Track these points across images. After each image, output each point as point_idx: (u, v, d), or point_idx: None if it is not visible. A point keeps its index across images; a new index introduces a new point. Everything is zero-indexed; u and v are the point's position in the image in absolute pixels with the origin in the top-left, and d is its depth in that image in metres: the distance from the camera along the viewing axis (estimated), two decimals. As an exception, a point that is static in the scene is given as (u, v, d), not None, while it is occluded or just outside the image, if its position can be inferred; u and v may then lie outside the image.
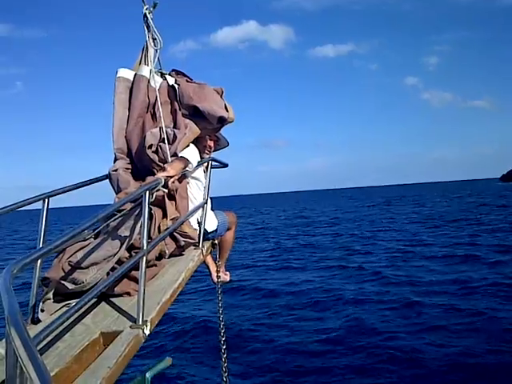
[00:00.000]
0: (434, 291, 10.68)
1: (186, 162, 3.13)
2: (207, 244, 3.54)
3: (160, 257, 2.97)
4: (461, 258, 14.73)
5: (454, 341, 7.41)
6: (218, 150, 3.88)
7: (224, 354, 3.53)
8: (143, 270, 2.20)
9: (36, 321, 2.34)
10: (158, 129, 3.19)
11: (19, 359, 1.08)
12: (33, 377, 0.96)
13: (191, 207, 3.26)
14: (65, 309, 2.31)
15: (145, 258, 2.23)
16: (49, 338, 1.84)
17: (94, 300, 2.43)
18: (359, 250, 18.20)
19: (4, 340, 1.99)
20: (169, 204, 2.96)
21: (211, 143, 3.68)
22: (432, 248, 17.49)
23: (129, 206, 2.72)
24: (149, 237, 2.41)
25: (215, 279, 4.00)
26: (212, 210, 3.67)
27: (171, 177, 2.93)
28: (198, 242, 3.32)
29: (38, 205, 2.64)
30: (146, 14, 3.36)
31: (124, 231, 2.69)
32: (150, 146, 3.11)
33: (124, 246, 2.62)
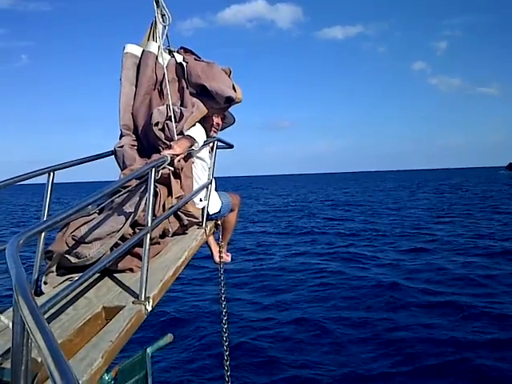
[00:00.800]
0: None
1: (193, 140, 3.11)
2: (210, 224, 3.55)
3: (163, 235, 2.98)
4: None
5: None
6: (225, 127, 3.84)
7: (225, 332, 3.57)
8: (147, 247, 2.20)
9: (39, 293, 2.36)
10: (165, 106, 3.16)
11: (27, 327, 1.09)
12: (41, 345, 0.96)
13: (195, 187, 3.26)
14: (68, 282, 2.33)
15: (149, 235, 2.24)
16: (52, 311, 1.86)
17: (97, 275, 2.45)
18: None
19: (8, 310, 2.01)
20: (174, 182, 2.96)
21: (219, 121, 3.64)
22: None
23: (134, 182, 2.72)
24: (153, 214, 2.42)
25: (217, 259, 4.03)
26: (216, 190, 3.67)
27: (177, 155, 2.92)
28: (202, 222, 3.33)
29: (38, 179, 2.64)
30: (155, -12, 3.30)
31: (128, 208, 2.69)
32: (157, 124, 3.08)
33: (128, 222, 2.63)
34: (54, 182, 2.60)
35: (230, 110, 3.65)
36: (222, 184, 3.78)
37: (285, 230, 21.57)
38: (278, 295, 9.95)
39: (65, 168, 2.78)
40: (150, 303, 2.16)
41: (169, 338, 4.21)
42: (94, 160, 3.16)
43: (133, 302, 2.13)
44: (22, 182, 2.54)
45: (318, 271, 11.98)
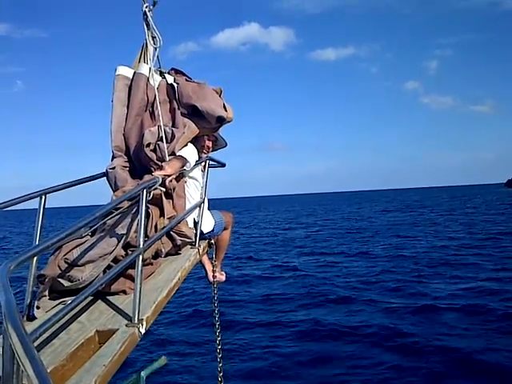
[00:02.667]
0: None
1: (184, 160, 3.12)
2: (204, 243, 3.53)
3: (156, 255, 2.96)
4: None
5: None
6: (216, 150, 3.86)
7: (220, 354, 3.53)
8: (139, 269, 2.19)
9: (31, 318, 2.33)
10: (157, 127, 3.18)
11: (16, 355, 1.08)
12: (30, 373, 0.95)
13: (188, 207, 3.26)
14: (60, 306, 2.31)
15: (141, 256, 2.23)
16: (45, 336, 1.83)
17: (90, 298, 2.43)
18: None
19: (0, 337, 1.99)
20: (166, 203, 2.96)
21: (209, 143, 3.67)
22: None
23: (126, 204, 2.71)
24: (145, 235, 2.41)
25: (211, 279, 4.00)
26: (209, 209, 3.67)
27: (169, 175, 2.93)
28: (195, 242, 3.31)
29: (27, 205, 2.61)
30: (145, 11, 3.35)
31: (120, 229, 2.68)
32: (149, 145, 3.10)
33: (120, 244, 2.62)
34: (46, 206, 2.58)
35: (221, 131, 3.67)
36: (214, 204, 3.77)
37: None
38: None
39: (57, 191, 2.77)
40: (144, 325, 2.14)
41: (163, 360, 4.16)
42: (86, 182, 3.15)
43: (126, 325, 2.11)
44: (9, 208, 2.48)
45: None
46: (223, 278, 4.20)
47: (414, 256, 16.54)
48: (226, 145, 3.88)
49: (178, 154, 3.15)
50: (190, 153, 3.28)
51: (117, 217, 2.73)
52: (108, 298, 2.50)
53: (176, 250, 3.19)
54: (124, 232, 2.65)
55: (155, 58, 3.50)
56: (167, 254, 3.10)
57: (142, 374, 3.79)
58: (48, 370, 1.70)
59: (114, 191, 3.11)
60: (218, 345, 3.56)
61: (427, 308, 9.50)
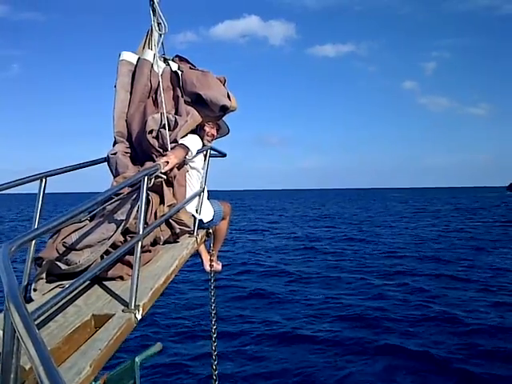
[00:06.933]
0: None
1: (187, 149, 3.12)
2: (202, 233, 3.54)
3: (155, 243, 2.96)
4: None
5: None
6: (219, 137, 3.84)
7: (215, 342, 3.55)
8: (138, 255, 2.19)
9: (28, 300, 2.33)
10: (160, 114, 3.16)
11: (17, 335, 1.08)
12: (32, 353, 0.96)
13: (189, 196, 3.25)
14: (57, 289, 2.31)
15: (140, 242, 2.23)
16: (41, 318, 1.84)
17: (87, 282, 2.43)
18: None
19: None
20: (166, 190, 2.95)
21: (213, 131, 3.65)
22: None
23: (126, 190, 2.71)
24: (145, 222, 2.41)
25: (208, 268, 4.01)
26: (208, 199, 3.66)
27: (173, 164, 2.92)
28: (193, 231, 3.32)
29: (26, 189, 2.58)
30: (152, -3, 3.32)
31: (120, 215, 2.68)
32: (151, 132, 3.08)
33: (119, 229, 2.62)
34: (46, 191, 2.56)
35: (224, 119, 3.65)
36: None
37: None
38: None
39: (58, 174, 2.75)
40: (140, 312, 2.14)
41: (158, 346, 4.18)
42: (87, 166, 3.14)
43: (122, 311, 2.11)
44: (8, 191, 2.44)
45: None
46: (219, 267, 4.22)
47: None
48: (229, 131, 3.85)
49: (180, 142, 3.14)
50: (193, 141, 3.27)
51: (116, 203, 2.73)
52: (105, 283, 2.51)
53: (174, 239, 3.19)
54: (123, 218, 2.65)
55: (160, 44, 3.47)
56: (165, 242, 3.10)
57: (137, 359, 3.80)
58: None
59: (114, 177, 3.10)
60: (214, 333, 3.58)
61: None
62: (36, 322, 1.80)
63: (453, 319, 8.69)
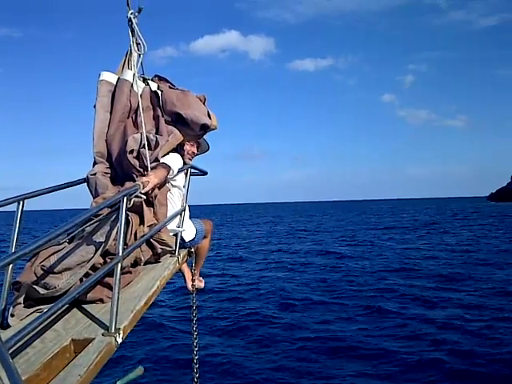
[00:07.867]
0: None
1: (169, 168, 3.11)
2: (183, 252, 3.51)
3: (135, 264, 2.92)
4: None
5: None
6: (199, 154, 3.84)
7: (196, 364, 3.50)
8: (118, 277, 2.16)
9: (5, 326, 2.27)
10: (140, 134, 3.15)
11: None
12: (5, 382, 0.93)
13: (170, 214, 3.23)
14: (36, 314, 2.26)
15: (120, 264, 2.20)
16: (19, 344, 1.79)
17: (66, 306, 2.38)
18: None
19: None
20: (146, 210, 2.93)
21: (194, 149, 3.65)
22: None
23: (105, 211, 2.68)
24: (125, 243, 2.38)
25: (190, 288, 3.97)
26: (189, 218, 3.64)
27: (154, 184, 2.90)
28: (175, 250, 3.29)
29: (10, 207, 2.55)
30: (130, 18, 3.33)
31: (99, 237, 2.64)
32: (132, 151, 3.06)
33: (99, 251, 2.58)
34: (25, 209, 2.52)
35: (204, 137, 3.66)
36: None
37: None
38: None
39: (36, 196, 2.71)
40: (121, 335, 2.11)
41: (139, 370, 4.10)
42: (65, 188, 3.09)
43: (102, 334, 2.07)
44: None
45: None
46: (202, 284, 4.21)
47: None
48: (209, 148, 3.86)
49: (161, 161, 3.13)
50: (174, 160, 3.26)
51: (96, 224, 2.69)
52: (85, 306, 2.46)
53: (156, 259, 3.16)
54: (103, 239, 2.61)
55: (139, 64, 3.48)
56: (146, 262, 3.06)
57: (118, 383, 3.72)
58: (21, 380, 1.66)
59: (94, 198, 3.07)
60: (195, 355, 3.53)
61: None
62: (13, 349, 1.75)
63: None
